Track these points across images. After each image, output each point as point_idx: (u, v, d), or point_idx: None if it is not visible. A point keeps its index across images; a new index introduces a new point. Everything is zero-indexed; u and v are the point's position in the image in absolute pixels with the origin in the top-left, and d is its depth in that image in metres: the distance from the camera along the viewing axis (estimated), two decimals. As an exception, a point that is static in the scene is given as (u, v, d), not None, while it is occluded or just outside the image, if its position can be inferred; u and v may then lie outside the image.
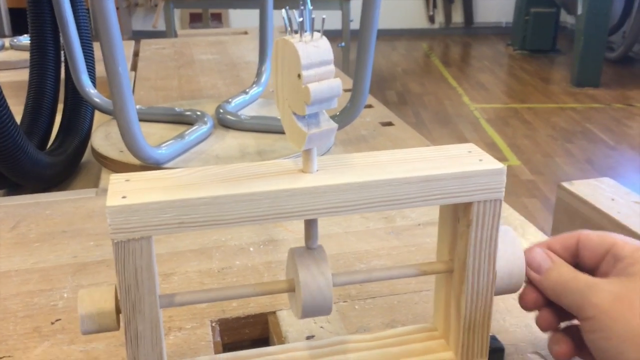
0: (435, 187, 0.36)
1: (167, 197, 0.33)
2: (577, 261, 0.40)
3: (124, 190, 0.33)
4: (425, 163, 0.37)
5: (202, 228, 0.34)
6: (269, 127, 0.83)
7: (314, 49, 0.32)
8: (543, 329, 0.41)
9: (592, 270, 0.39)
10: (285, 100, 0.35)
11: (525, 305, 0.41)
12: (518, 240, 0.40)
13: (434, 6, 5.89)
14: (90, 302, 0.35)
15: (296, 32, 0.33)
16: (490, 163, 0.37)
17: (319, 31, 0.34)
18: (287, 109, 0.35)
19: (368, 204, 0.35)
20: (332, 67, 0.33)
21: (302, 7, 0.32)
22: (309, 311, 0.37)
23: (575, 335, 0.39)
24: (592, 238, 0.40)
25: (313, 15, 0.32)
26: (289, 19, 0.33)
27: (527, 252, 0.40)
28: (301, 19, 0.32)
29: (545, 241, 0.42)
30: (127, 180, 0.35)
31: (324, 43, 0.33)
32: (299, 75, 0.32)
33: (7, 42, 1.43)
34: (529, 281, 0.41)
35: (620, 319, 0.34)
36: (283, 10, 0.33)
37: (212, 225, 0.34)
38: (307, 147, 0.34)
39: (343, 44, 3.09)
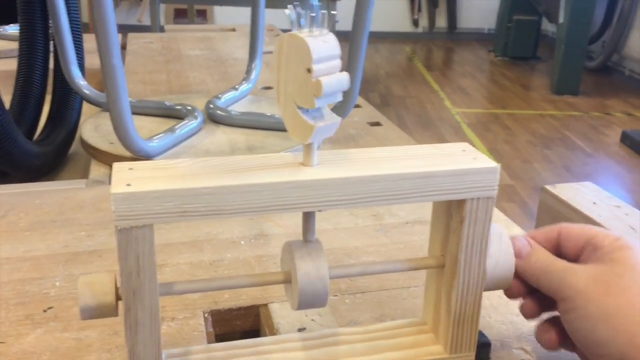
0: (430, 184, 0.37)
1: (171, 186, 0.34)
2: (559, 252, 0.42)
3: (128, 178, 0.34)
4: (421, 160, 0.38)
5: (203, 217, 0.34)
6: (259, 124, 0.84)
7: (323, 44, 0.33)
8: (526, 316, 0.42)
9: (572, 261, 0.40)
10: (289, 95, 0.35)
11: (508, 293, 0.43)
12: (508, 238, 0.41)
13: (419, 10, 5.94)
14: (90, 288, 0.35)
15: (304, 27, 0.33)
16: (484, 162, 0.38)
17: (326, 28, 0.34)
18: (291, 104, 0.35)
19: (366, 198, 0.36)
20: (339, 61, 0.34)
21: (310, 3, 0.33)
22: (305, 301, 0.38)
23: (559, 327, 0.40)
24: (573, 230, 0.41)
25: (323, 11, 0.33)
26: (298, 15, 0.33)
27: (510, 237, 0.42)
28: (313, 14, 0.33)
29: (528, 232, 0.43)
30: (130, 169, 0.35)
31: (332, 38, 0.34)
32: (309, 70, 0.33)
33: (-8, 31, 1.41)
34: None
35: (594, 299, 0.36)
36: (290, 7, 0.34)
37: (213, 215, 0.34)
38: (313, 140, 0.35)
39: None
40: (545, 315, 0.42)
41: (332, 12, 0.34)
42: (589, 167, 3.02)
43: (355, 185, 0.36)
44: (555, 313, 0.41)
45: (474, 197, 0.38)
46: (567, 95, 4.19)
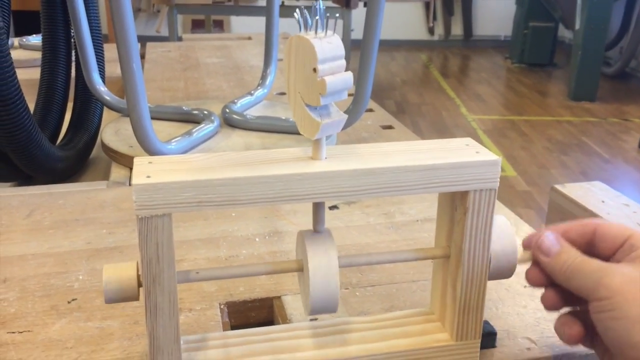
0: (434, 176, 0.39)
1: (188, 178, 0.36)
2: (592, 250, 0.41)
3: (148, 171, 0.36)
4: (426, 154, 0.40)
5: (218, 207, 0.36)
6: (274, 127, 0.86)
7: (328, 45, 0.35)
8: (547, 308, 0.42)
9: (606, 260, 0.40)
10: (298, 94, 0.37)
11: (530, 280, 0.42)
12: (511, 229, 0.43)
13: (434, 18, 5.95)
14: (115, 274, 0.38)
15: (310, 29, 0.35)
16: (486, 155, 0.40)
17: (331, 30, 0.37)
18: (300, 102, 0.37)
19: (372, 190, 0.38)
20: (343, 61, 0.36)
21: (315, 7, 0.35)
22: (317, 295, 0.39)
23: (582, 321, 0.40)
24: (611, 228, 0.40)
25: (328, 14, 0.35)
26: (304, 18, 0.36)
27: (538, 235, 0.41)
28: (317, 17, 0.35)
29: (561, 226, 0.42)
30: (150, 163, 0.38)
31: (337, 39, 0.36)
32: (315, 69, 0.35)
33: (16, 41, 1.46)
34: (535, 262, 0.42)
35: (632, 300, 0.35)
36: (297, 10, 0.36)
37: (228, 205, 0.36)
38: (320, 135, 0.37)
39: (343, 52, 3.13)
40: (567, 309, 0.42)
41: (336, 15, 0.36)
42: (606, 173, 3.01)
43: (362, 177, 0.38)
44: (576, 308, 0.41)
45: (476, 188, 0.40)
46: (584, 102, 4.17)
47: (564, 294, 0.41)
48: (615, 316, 0.35)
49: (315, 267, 0.39)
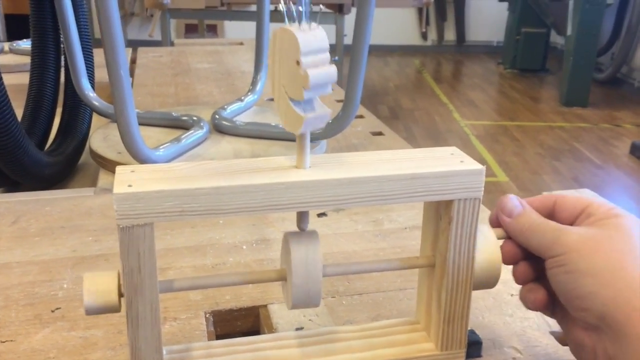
0: (418, 185, 0.39)
1: (170, 187, 0.35)
2: (553, 219, 0.42)
3: (129, 180, 0.36)
4: (410, 163, 0.40)
5: (201, 217, 0.36)
6: (263, 133, 0.86)
7: (312, 37, 0.35)
8: (518, 280, 0.43)
9: None
10: (282, 87, 0.37)
11: (503, 257, 0.43)
12: (495, 238, 0.43)
13: (427, 23, 5.97)
14: (95, 285, 0.37)
15: (294, 21, 0.35)
16: (471, 164, 0.40)
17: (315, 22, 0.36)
18: (284, 96, 0.37)
19: (356, 199, 0.38)
20: (327, 55, 0.35)
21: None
22: (299, 294, 0.39)
23: (546, 289, 0.41)
24: (569, 199, 0.42)
25: (318, 7, 0.35)
26: (288, 9, 0.35)
27: (501, 198, 0.43)
28: (301, 9, 0.34)
29: (523, 200, 0.44)
30: (132, 171, 0.37)
31: (321, 32, 0.35)
32: (298, 62, 0.35)
33: (6, 46, 1.45)
34: (507, 235, 0.43)
35: (584, 256, 0.37)
36: (282, 2, 0.36)
37: (211, 215, 0.36)
38: (304, 130, 0.37)
39: (337, 58, 3.14)
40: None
41: (320, 6, 0.36)
42: (598, 179, 3.02)
43: (345, 186, 0.38)
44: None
45: (461, 198, 0.39)
46: (576, 107, 4.20)
47: (535, 268, 0.42)
48: (568, 270, 0.38)
49: (300, 266, 0.38)
